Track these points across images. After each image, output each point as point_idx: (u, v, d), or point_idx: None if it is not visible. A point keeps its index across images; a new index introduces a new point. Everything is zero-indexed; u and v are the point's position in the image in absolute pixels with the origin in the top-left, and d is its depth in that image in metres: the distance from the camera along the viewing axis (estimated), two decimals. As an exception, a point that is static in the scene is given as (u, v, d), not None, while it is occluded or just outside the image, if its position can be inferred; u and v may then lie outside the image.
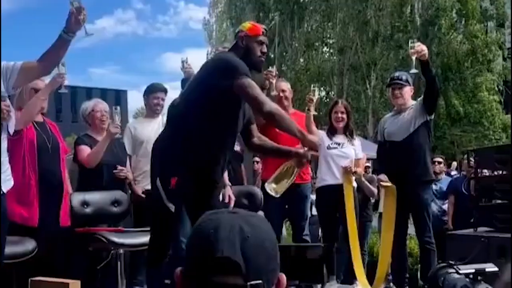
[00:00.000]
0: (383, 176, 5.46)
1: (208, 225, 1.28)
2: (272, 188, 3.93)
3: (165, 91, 5.86)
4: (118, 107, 5.39)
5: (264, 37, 3.84)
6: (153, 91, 5.71)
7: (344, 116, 5.83)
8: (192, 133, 3.61)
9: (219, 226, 1.26)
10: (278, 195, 4.06)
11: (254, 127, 4.09)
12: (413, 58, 4.99)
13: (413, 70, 5.12)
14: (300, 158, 3.85)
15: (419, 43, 5.06)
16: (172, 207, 3.57)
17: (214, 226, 1.26)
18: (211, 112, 3.60)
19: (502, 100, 28.89)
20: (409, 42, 5.13)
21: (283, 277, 1.32)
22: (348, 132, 5.85)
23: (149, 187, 5.44)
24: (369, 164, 8.91)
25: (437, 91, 5.57)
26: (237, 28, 4.11)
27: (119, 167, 5.29)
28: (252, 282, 1.22)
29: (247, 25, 3.91)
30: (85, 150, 5.19)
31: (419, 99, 5.53)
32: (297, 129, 3.70)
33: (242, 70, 3.57)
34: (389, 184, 5.39)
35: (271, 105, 3.66)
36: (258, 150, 4.48)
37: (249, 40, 3.79)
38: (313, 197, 6.81)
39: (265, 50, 3.84)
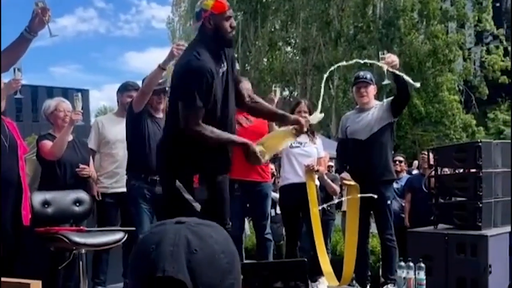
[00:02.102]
0: (345, 175, 5.51)
1: (149, 239, 1.14)
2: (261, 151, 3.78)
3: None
4: (79, 94, 5.29)
5: (230, 10, 3.62)
6: (127, 89, 5.58)
7: (307, 115, 5.85)
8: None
9: (161, 241, 1.11)
10: (264, 160, 3.93)
11: (242, 85, 3.98)
12: (384, 69, 5.03)
13: (386, 81, 5.18)
14: (300, 126, 3.77)
15: (389, 54, 5.13)
16: (198, 207, 3.47)
17: (156, 241, 1.12)
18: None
19: (463, 100, 29.39)
20: (379, 54, 5.21)
21: None
22: (310, 131, 5.88)
23: (115, 190, 5.41)
24: (332, 163, 8.99)
25: (408, 97, 5.66)
26: None
27: (81, 166, 5.24)
28: None
29: (210, 2, 3.57)
30: (48, 143, 5.13)
31: (385, 100, 5.61)
32: (229, 139, 3.63)
33: (188, 90, 3.45)
34: (352, 182, 5.44)
35: (194, 127, 3.49)
36: (251, 112, 4.32)
37: (216, 19, 3.56)
38: (276, 195, 6.84)
39: (234, 24, 3.65)
